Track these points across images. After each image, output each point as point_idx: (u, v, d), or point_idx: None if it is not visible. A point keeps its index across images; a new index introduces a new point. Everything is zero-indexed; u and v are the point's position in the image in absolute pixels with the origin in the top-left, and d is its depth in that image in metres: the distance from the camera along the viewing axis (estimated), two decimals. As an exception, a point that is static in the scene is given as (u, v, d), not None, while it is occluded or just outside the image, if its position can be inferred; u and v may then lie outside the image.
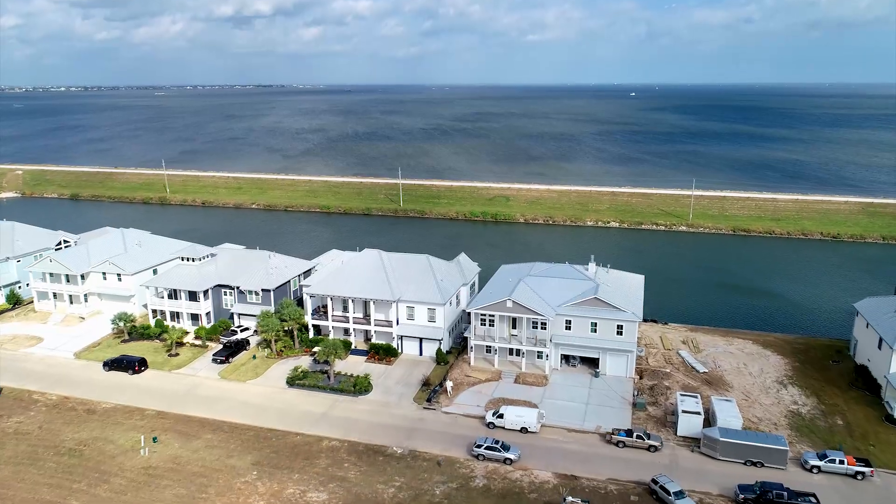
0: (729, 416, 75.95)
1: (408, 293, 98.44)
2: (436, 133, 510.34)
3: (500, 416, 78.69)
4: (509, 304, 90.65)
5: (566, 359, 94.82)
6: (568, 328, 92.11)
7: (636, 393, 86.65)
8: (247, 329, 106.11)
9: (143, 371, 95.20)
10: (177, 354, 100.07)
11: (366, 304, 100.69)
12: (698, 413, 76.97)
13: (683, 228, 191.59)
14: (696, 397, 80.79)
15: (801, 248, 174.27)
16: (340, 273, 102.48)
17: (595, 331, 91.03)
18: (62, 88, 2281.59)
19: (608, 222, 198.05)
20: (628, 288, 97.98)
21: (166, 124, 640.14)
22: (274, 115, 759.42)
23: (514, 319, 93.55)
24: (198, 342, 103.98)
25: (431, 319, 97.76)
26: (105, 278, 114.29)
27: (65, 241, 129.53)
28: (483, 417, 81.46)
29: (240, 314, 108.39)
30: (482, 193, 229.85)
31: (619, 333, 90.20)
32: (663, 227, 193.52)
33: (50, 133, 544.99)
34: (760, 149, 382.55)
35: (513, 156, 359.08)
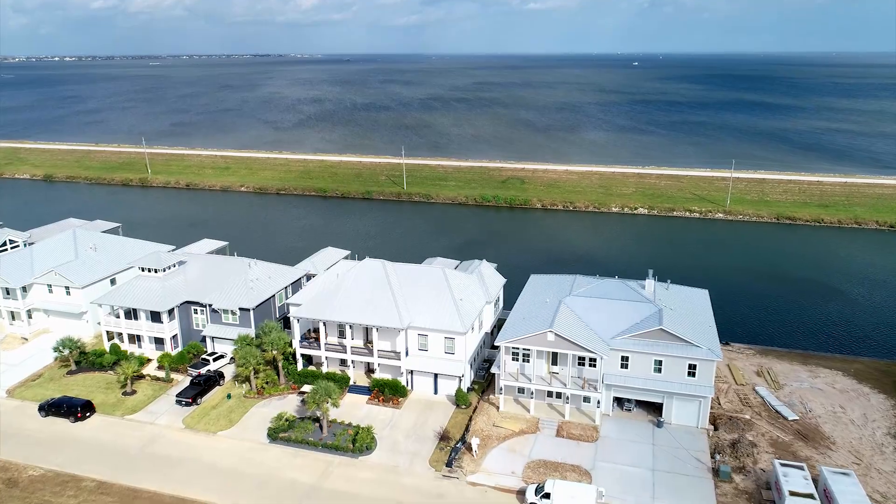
0: (854, 500, 56.86)
1: (420, 318, 78.77)
2: (436, 104, 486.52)
3: (547, 497, 59.48)
4: (551, 336, 70.99)
5: (619, 401, 75.56)
6: (624, 366, 72.62)
7: (716, 455, 67.41)
8: (221, 357, 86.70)
9: (88, 417, 75.98)
10: (133, 392, 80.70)
11: (367, 329, 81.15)
12: (811, 497, 57.78)
13: (720, 216, 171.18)
14: (801, 468, 61.50)
15: (857, 240, 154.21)
16: (335, 290, 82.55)
17: (660, 370, 71.56)
18: (56, 59, 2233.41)
19: (635, 208, 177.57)
20: (696, 312, 78.18)
21: (160, 95, 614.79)
22: (271, 85, 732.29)
23: (556, 355, 74.10)
24: (161, 374, 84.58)
25: (449, 351, 78.24)
26: (51, 291, 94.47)
27: (10, 241, 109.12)
28: (521, 492, 62.42)
29: (213, 337, 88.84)
30: (493, 175, 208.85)
31: (692, 374, 70.73)
32: (697, 215, 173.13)
33: (38, 105, 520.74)
34: (777, 120, 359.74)
35: (516, 129, 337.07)
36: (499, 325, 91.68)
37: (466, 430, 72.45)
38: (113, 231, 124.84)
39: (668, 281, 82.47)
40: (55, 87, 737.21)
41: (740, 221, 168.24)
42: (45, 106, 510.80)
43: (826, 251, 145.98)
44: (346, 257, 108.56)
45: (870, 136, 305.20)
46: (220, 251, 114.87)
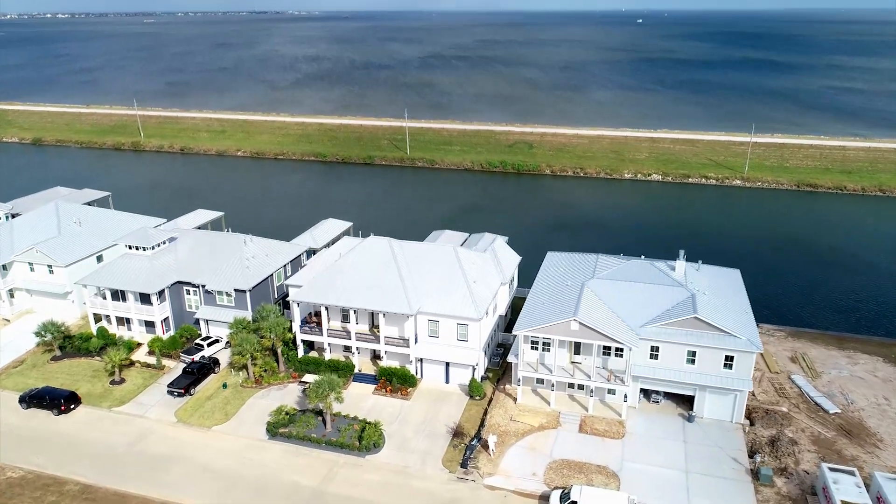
0: (914, 511, 51.48)
1: (430, 302, 72.50)
2: (437, 63, 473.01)
3: (574, 505, 54.20)
4: (574, 325, 64.84)
5: (646, 392, 69.87)
6: (654, 357, 66.66)
7: (754, 454, 61.91)
8: (216, 341, 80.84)
9: (72, 409, 70.40)
10: (121, 381, 75.01)
11: (373, 314, 75.03)
12: (867, 507, 52.45)
13: (738, 183, 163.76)
14: (853, 474, 55.97)
15: (882, 208, 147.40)
16: (338, 271, 76.16)
17: (693, 361, 65.61)
18: (48, 15, 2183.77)
19: (649, 175, 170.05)
20: (730, 296, 71.86)
21: (154, 54, 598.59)
22: (268, 43, 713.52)
23: (579, 344, 68.09)
24: (152, 360, 78.81)
25: (462, 338, 72.21)
26: (33, 270, 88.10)
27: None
28: (545, 498, 57.10)
29: (207, 320, 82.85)
30: (500, 139, 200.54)
31: (728, 366, 64.82)
32: (714, 181, 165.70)
33: (29, 64, 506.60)
34: (786, 79, 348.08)
35: (520, 88, 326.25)
36: (513, 305, 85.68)
37: (482, 425, 66.92)
38: (102, 200, 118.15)
39: (700, 261, 75.93)
40: (46, 46, 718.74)
41: (759, 188, 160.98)
42: (36, 65, 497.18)
43: (851, 221, 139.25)
44: (347, 230, 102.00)
45: (885, 95, 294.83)
46: (214, 223, 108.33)
